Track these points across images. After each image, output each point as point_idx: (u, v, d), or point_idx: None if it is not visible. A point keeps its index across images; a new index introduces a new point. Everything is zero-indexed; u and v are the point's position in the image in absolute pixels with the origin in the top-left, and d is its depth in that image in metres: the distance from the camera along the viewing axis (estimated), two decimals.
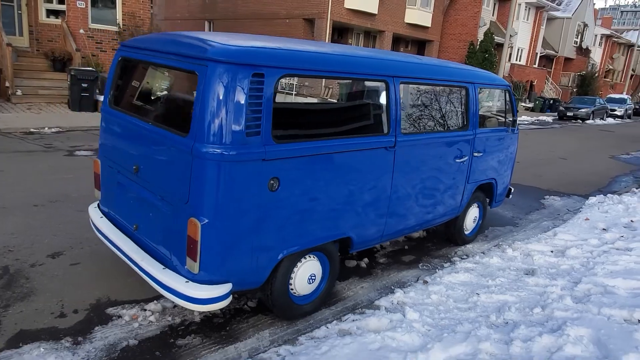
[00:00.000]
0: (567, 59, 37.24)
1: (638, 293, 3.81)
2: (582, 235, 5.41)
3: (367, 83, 3.39)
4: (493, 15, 29.73)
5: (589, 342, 3.02)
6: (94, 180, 3.68)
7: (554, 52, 36.09)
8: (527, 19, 31.89)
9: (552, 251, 4.84)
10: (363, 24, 22.87)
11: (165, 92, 3.51)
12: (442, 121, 4.24)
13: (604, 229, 5.71)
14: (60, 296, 3.35)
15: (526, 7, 31.24)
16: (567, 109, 25.81)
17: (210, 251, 2.66)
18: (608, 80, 43.64)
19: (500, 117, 5.09)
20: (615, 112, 29.54)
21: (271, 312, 3.36)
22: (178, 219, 2.75)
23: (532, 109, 28.83)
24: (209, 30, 26.23)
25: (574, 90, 35.67)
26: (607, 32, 42.87)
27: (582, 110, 25.50)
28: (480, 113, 4.64)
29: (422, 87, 3.99)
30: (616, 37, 44.62)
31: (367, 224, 3.57)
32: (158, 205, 2.92)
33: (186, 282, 2.72)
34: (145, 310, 3.24)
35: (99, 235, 3.48)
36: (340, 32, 24.12)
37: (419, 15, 24.71)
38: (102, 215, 3.55)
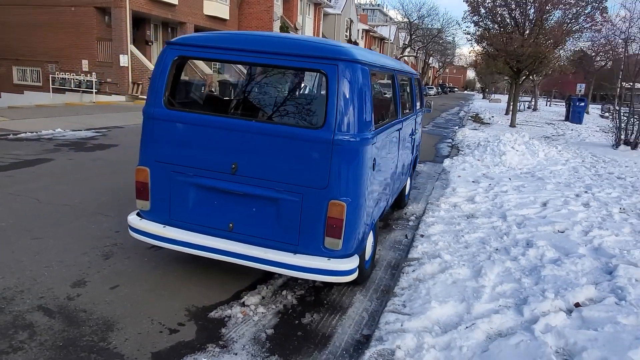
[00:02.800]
0: None
1: (542, 216, 5.53)
2: (468, 187, 7.12)
3: (386, 76, 4.07)
4: (281, 10, 32.04)
5: (552, 248, 4.43)
6: (138, 190, 3.40)
7: None
8: (309, 14, 35.38)
9: (466, 200, 6.35)
10: (163, 14, 22.10)
11: (275, 91, 3.49)
12: (408, 105, 5.20)
13: (473, 182, 7.58)
14: (145, 316, 3.10)
15: (307, 3, 34.59)
16: None
17: (350, 227, 3.03)
18: None
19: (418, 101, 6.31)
20: None
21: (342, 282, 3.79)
22: (312, 205, 2.99)
23: None
24: None
25: None
26: (366, 27, 50.60)
27: None
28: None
29: (402, 78, 4.84)
30: (372, 32, 53.03)
31: (390, 193, 4.30)
32: (274, 198, 3.06)
33: (328, 260, 3.02)
34: (246, 305, 3.30)
35: (170, 246, 3.31)
36: (137, 23, 22.62)
37: (216, 7, 25.06)
38: (165, 225, 3.35)
